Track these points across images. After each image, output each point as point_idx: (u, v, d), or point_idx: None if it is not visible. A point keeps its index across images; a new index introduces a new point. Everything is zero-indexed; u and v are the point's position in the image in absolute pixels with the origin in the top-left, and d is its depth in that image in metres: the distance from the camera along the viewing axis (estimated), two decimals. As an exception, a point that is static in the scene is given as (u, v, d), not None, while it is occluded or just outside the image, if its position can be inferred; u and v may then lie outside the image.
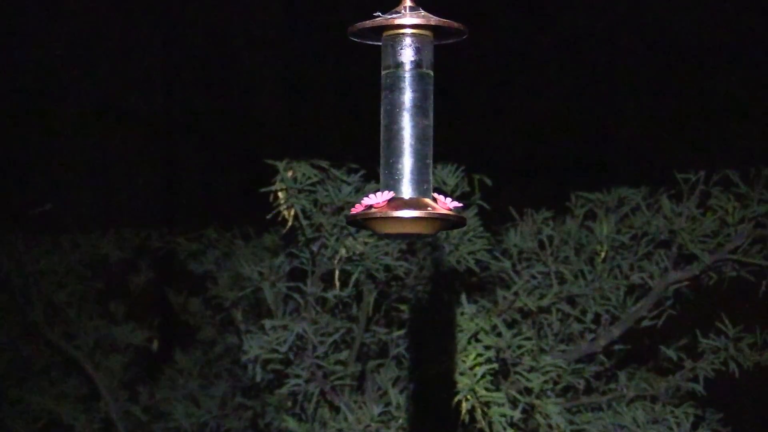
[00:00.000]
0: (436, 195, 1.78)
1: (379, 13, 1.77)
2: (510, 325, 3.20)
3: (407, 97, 1.77)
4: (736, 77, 5.28)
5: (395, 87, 1.77)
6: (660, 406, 3.21)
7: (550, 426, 3.04)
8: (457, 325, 3.06)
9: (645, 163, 5.19)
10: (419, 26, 1.77)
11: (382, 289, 3.22)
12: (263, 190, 3.11)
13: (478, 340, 3.02)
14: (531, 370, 3.04)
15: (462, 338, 3.02)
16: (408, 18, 1.77)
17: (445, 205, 1.77)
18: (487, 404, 2.93)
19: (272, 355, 3.17)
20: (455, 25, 1.78)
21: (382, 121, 1.78)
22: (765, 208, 3.31)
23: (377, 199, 1.75)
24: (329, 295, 3.19)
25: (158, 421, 4.16)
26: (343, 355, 3.25)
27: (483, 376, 2.92)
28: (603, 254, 3.36)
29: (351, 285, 3.16)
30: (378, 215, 1.74)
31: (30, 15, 5.48)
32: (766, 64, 5.16)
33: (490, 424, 2.94)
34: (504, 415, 2.95)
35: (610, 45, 5.40)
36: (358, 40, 1.81)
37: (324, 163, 3.12)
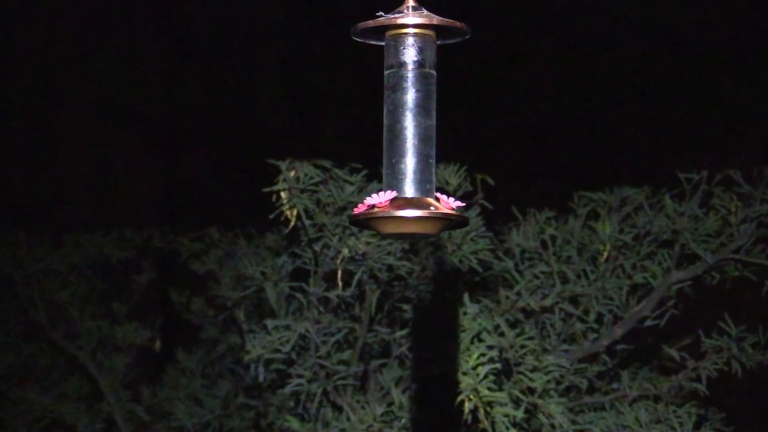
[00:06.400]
0: (438, 195, 1.79)
1: (382, 13, 1.77)
2: (513, 324, 3.20)
3: (410, 96, 1.77)
4: (739, 76, 5.27)
5: (398, 87, 1.77)
6: (662, 405, 3.21)
7: (552, 426, 3.04)
8: (459, 324, 3.06)
9: (647, 162, 5.18)
10: (422, 26, 1.77)
11: (384, 288, 3.22)
12: (266, 189, 3.11)
13: (480, 340, 3.02)
14: (534, 369, 3.04)
15: (465, 338, 3.02)
16: (411, 18, 1.77)
17: (447, 204, 1.77)
18: (490, 404, 2.93)
19: (275, 355, 3.17)
20: (458, 24, 1.78)
21: (384, 121, 1.78)
22: (768, 207, 3.31)
23: (380, 198, 1.75)
24: (332, 294, 3.19)
25: (161, 420, 4.16)
26: (346, 354, 3.25)
27: (486, 376, 2.92)
28: (606, 254, 3.36)
29: (354, 285, 3.16)
30: (381, 215, 1.74)
31: (31, 15, 5.48)
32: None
33: (492, 424, 2.94)
34: (507, 415, 2.95)
35: (613, 44, 5.40)
36: (361, 40, 1.81)
37: (326, 163, 3.12)
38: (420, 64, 1.77)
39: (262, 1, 5.64)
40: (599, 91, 5.46)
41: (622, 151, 5.43)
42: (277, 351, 3.16)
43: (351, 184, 3.11)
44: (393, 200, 1.75)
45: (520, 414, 2.97)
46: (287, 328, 3.17)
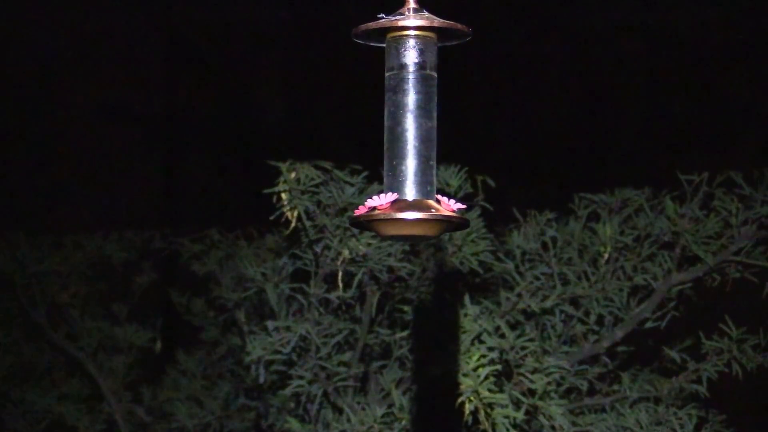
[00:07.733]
0: (439, 196, 1.78)
1: (383, 15, 1.77)
2: (513, 326, 3.20)
3: (411, 98, 1.77)
4: (740, 78, 5.27)
5: (399, 89, 1.77)
6: (663, 407, 3.21)
7: (553, 427, 3.04)
8: (460, 326, 3.06)
9: (648, 164, 5.18)
10: (423, 28, 1.77)
11: (385, 290, 3.22)
12: (266, 191, 3.11)
13: (481, 342, 3.02)
14: (534, 371, 3.04)
15: (465, 339, 3.02)
16: (412, 19, 1.77)
17: (448, 206, 1.77)
18: (491, 406, 2.93)
19: (275, 356, 3.17)
20: (459, 26, 1.78)
21: (385, 123, 1.78)
22: (768, 209, 3.31)
23: (381, 200, 1.75)
24: (332, 296, 3.19)
25: (161, 421, 4.16)
26: (347, 356, 3.24)
27: (486, 378, 2.92)
28: (606, 256, 3.36)
29: (354, 286, 3.15)
30: (381, 217, 1.74)
31: (31, 14, 5.48)
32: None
33: (493, 425, 2.94)
34: (507, 417, 2.94)
35: (613, 46, 5.40)
36: (362, 42, 1.81)
37: (327, 165, 3.12)
38: (421, 66, 1.77)
39: (262, 1, 5.64)
40: (600, 93, 5.46)
41: (622, 152, 5.43)
42: (278, 352, 3.16)
43: (351, 185, 3.11)
44: (394, 202, 1.75)
45: (520, 416, 2.97)
46: (288, 329, 3.17)
